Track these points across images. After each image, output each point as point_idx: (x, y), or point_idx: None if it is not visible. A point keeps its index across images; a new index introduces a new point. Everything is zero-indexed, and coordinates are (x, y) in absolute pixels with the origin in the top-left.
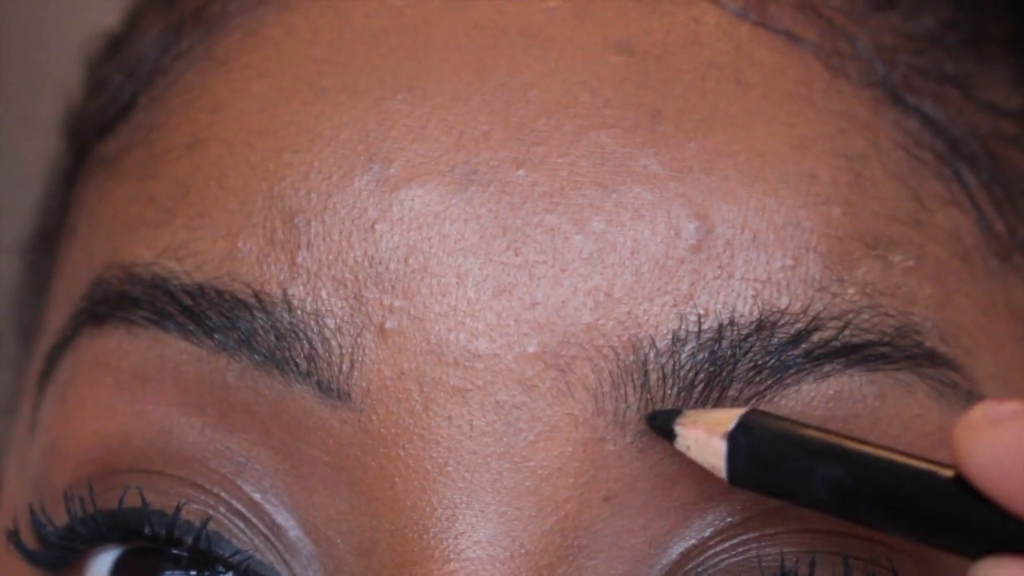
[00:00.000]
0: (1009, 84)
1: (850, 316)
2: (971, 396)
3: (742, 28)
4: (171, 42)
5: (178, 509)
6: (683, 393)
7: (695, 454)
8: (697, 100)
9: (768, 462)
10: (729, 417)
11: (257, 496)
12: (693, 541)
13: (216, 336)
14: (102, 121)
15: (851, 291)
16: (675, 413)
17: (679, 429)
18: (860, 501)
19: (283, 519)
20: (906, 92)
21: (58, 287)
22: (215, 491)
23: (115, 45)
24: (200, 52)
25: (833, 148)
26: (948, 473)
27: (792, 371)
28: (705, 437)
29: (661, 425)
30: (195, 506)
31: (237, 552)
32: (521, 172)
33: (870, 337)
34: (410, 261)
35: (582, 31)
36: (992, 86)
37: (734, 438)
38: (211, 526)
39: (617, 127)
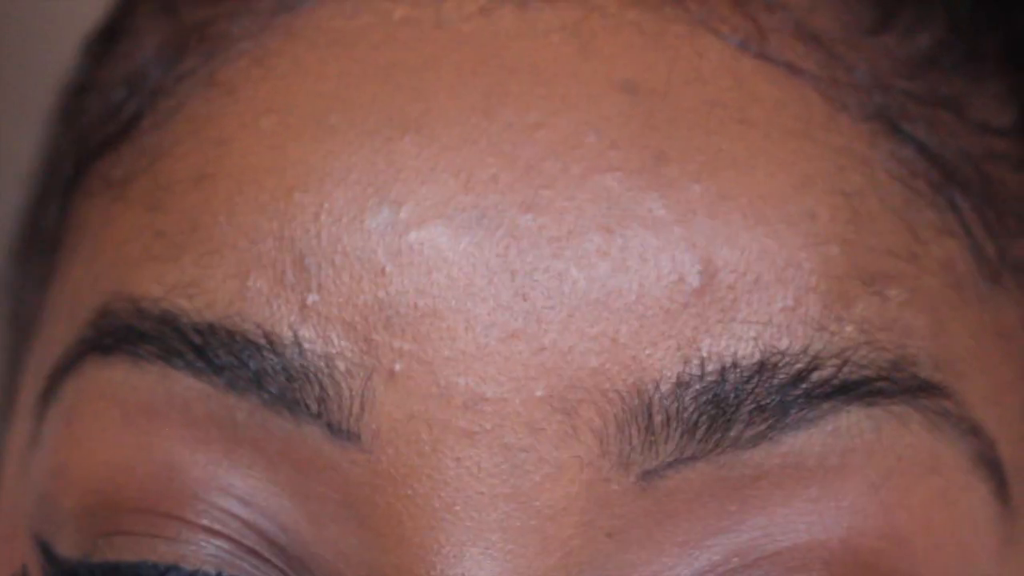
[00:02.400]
0: (1000, 100)
1: (848, 353)
2: (961, 422)
3: (744, 61)
4: (173, 59)
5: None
6: (686, 434)
7: None
8: (701, 141)
9: None
10: None
11: (265, 526)
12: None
13: (226, 375)
14: (103, 136)
15: (849, 329)
16: None
17: None
18: None
19: (293, 553)
20: (902, 120)
21: (59, 299)
22: (224, 531)
23: (110, 39)
24: (203, 76)
25: (832, 186)
26: None
27: (793, 411)
28: None
29: None
30: (206, 553)
31: None
32: (529, 216)
33: (867, 373)
34: (419, 305)
35: (587, 67)
36: (984, 105)
37: None
38: (225, 571)
39: (622, 170)
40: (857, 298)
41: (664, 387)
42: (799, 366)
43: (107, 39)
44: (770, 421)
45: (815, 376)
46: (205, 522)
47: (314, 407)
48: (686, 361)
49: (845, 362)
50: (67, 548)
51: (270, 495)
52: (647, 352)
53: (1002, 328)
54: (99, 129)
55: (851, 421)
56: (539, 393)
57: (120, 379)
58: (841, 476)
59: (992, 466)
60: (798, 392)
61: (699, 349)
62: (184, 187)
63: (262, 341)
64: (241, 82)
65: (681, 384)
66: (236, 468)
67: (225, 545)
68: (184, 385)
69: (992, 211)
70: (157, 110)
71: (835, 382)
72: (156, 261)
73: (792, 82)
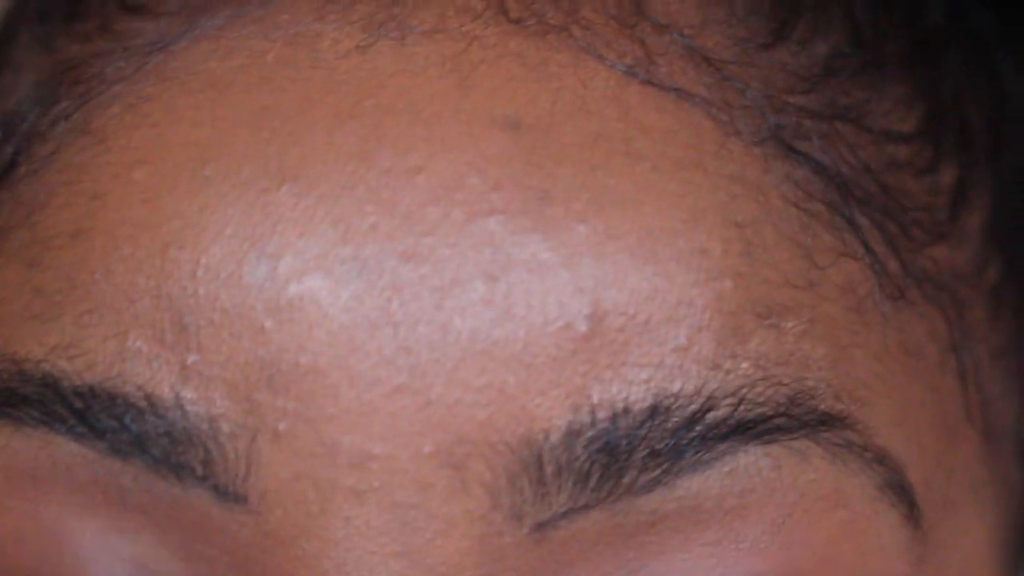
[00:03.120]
0: (903, 104)
1: (744, 391)
2: (865, 451)
3: (630, 90)
4: (48, 100)
5: None
6: (579, 484)
7: None
8: (586, 177)
9: None
10: None
11: None
12: None
13: (108, 439)
14: None
15: (744, 365)
16: None
17: None
18: None
19: None
20: (796, 139)
21: None
22: None
23: None
24: (78, 121)
25: (724, 217)
26: None
27: (688, 453)
28: None
29: None
30: None
31: None
32: (410, 266)
33: (764, 411)
34: (301, 362)
35: (467, 104)
36: (886, 111)
37: None
38: None
39: (505, 212)
40: (752, 333)
41: (554, 437)
42: (693, 407)
43: None
44: (665, 465)
45: (710, 417)
46: None
47: (199, 470)
48: (576, 409)
49: (741, 400)
50: None
51: (161, 560)
52: (536, 402)
53: (909, 345)
54: None
55: (749, 460)
56: (427, 449)
57: (3, 444)
58: (741, 517)
59: (901, 492)
60: (693, 434)
61: (589, 396)
62: (61, 242)
63: (143, 404)
64: (114, 130)
65: (571, 433)
66: (125, 534)
67: None
68: (67, 450)
69: (894, 224)
70: (33, 156)
71: (731, 422)
72: (37, 320)
73: (682, 108)
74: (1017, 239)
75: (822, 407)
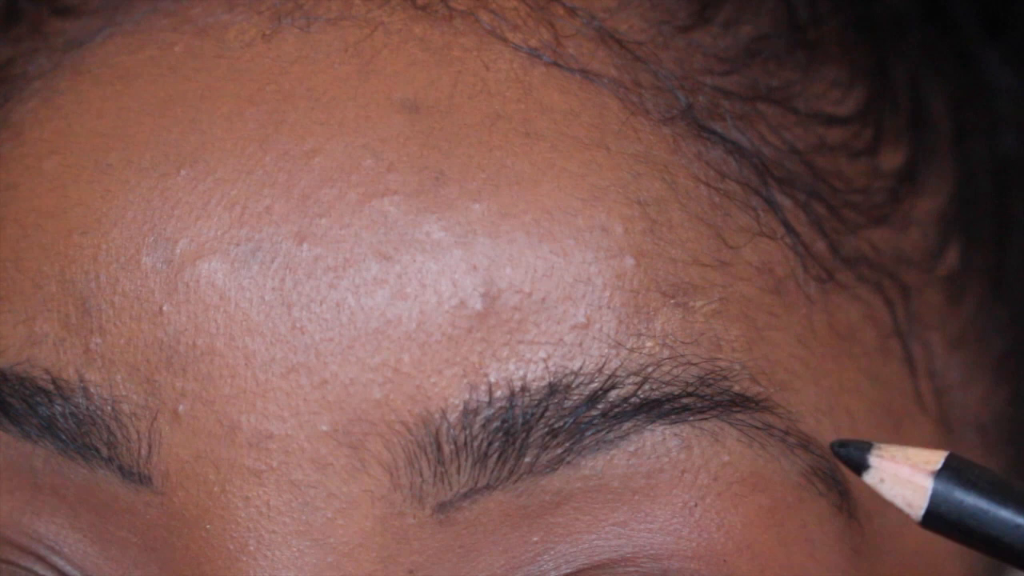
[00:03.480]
0: (841, 87)
1: (649, 370)
2: (787, 436)
3: (534, 71)
4: None
5: None
6: (478, 464)
7: (887, 488)
8: (483, 157)
9: (974, 509)
10: (932, 456)
11: (70, 571)
12: None
13: (20, 423)
14: None
15: (649, 344)
16: (868, 444)
17: (875, 461)
18: None
19: None
20: (710, 119)
21: None
22: (28, 565)
23: None
24: (0, 117)
25: (627, 196)
26: None
27: (590, 432)
28: (908, 472)
29: (851, 456)
30: None
31: None
32: (304, 247)
33: (670, 390)
34: (198, 343)
35: (367, 88)
36: (819, 93)
37: (941, 477)
38: None
39: (400, 193)
40: (657, 311)
41: (451, 416)
42: (594, 386)
43: None
44: (566, 444)
45: (612, 395)
46: (10, 557)
47: (104, 451)
48: (473, 388)
49: (646, 379)
50: None
51: (74, 541)
52: (432, 381)
53: (840, 328)
54: None
55: (656, 440)
56: (324, 428)
57: None
58: (649, 498)
59: (828, 479)
60: (594, 413)
61: (486, 375)
62: None
63: (50, 387)
64: (29, 123)
65: (469, 412)
66: (40, 515)
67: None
68: None
69: (822, 205)
70: None
71: (634, 400)
72: None
73: (586, 89)
74: (981, 226)
75: (736, 388)
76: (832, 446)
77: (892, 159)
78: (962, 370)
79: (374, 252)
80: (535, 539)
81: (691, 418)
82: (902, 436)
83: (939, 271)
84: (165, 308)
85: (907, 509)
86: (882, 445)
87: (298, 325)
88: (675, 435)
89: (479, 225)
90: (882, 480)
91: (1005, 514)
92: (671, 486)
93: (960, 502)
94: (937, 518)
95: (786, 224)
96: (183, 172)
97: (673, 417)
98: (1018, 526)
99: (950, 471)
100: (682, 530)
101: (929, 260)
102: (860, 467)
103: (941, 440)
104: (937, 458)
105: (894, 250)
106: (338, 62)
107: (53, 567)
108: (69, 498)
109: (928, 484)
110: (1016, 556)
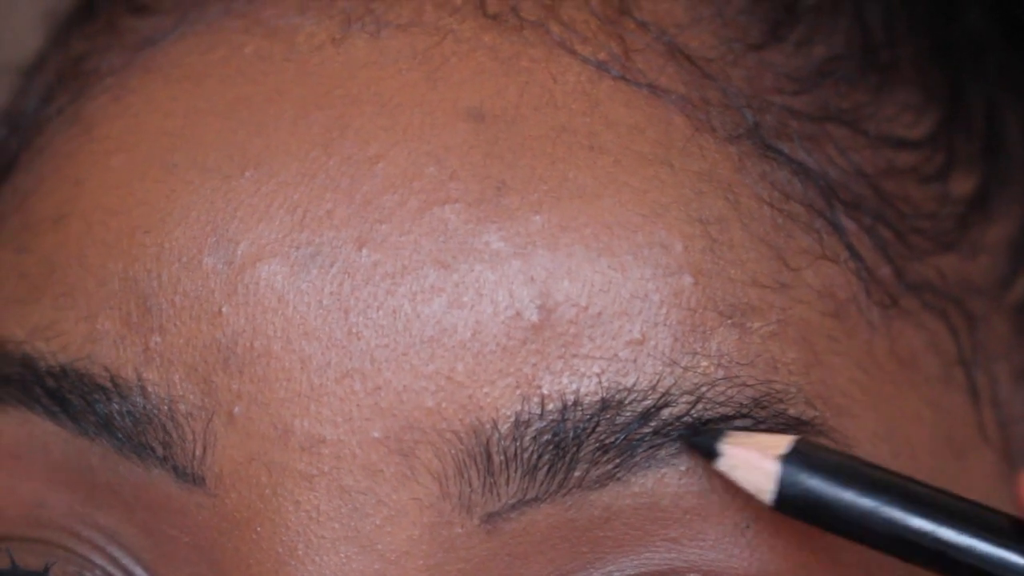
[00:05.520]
0: (914, 110)
1: (703, 390)
2: None
3: (602, 84)
4: (50, 95)
5: (46, 569)
6: (527, 476)
7: (740, 474)
8: (545, 169)
9: (820, 492)
10: (780, 442)
11: (127, 562)
12: None
13: (78, 419)
14: None
15: (704, 363)
16: (719, 432)
17: (725, 448)
18: (924, 543)
19: None
20: (777, 139)
21: None
22: (86, 554)
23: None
24: (70, 114)
25: (688, 213)
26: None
27: (641, 449)
28: (756, 457)
29: (702, 443)
30: (70, 567)
31: None
32: (364, 252)
33: (725, 411)
34: (255, 346)
35: (434, 96)
36: (891, 116)
37: (788, 462)
38: None
39: (461, 201)
40: (714, 331)
41: (503, 427)
42: (647, 403)
43: (27, 74)
44: (617, 461)
45: (665, 413)
46: (69, 544)
47: (160, 451)
48: (525, 400)
49: (699, 399)
50: None
51: (131, 535)
52: (484, 391)
53: (902, 354)
54: None
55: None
56: (376, 434)
57: None
58: (701, 517)
59: None
60: (646, 430)
61: (539, 387)
62: (44, 227)
63: (108, 385)
64: (99, 119)
65: (520, 424)
66: (99, 509)
67: (85, 564)
68: (43, 429)
69: (888, 230)
70: (31, 147)
71: (687, 419)
72: (20, 303)
73: (653, 104)
74: None
75: (791, 411)
76: (683, 435)
77: (963, 185)
78: None
79: (432, 260)
80: (584, 551)
81: None
82: (964, 467)
83: (1007, 300)
84: (224, 309)
85: (758, 495)
86: (732, 432)
87: (354, 330)
88: None
89: (538, 237)
90: (734, 466)
91: (848, 495)
92: (722, 507)
93: (806, 485)
94: (788, 503)
95: (850, 248)
96: (247, 174)
97: None
98: (862, 508)
99: (798, 455)
100: (733, 549)
101: (997, 289)
102: (711, 454)
103: (1004, 472)
104: (785, 443)
105: (961, 278)
106: (406, 68)
107: (110, 557)
108: (124, 496)
109: (775, 468)
110: (868, 537)
